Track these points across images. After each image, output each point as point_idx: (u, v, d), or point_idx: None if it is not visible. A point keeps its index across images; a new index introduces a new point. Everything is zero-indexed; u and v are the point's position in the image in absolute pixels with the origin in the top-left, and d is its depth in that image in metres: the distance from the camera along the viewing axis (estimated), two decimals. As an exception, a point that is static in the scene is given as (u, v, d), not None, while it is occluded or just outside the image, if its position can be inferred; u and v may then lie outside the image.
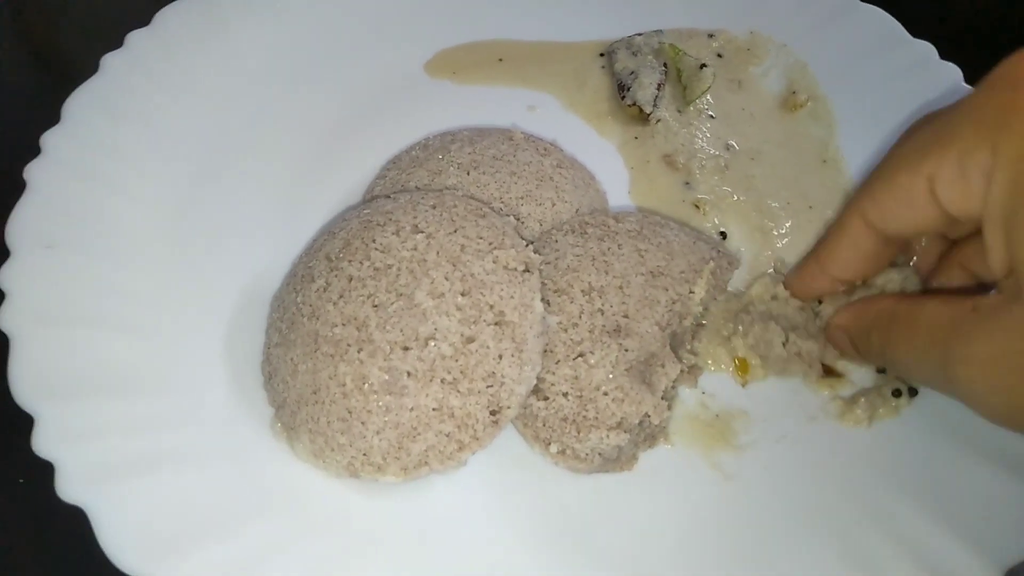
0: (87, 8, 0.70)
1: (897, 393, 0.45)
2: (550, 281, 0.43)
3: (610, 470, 0.42)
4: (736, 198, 0.55)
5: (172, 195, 0.50)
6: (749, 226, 0.54)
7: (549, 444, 0.41)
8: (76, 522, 0.36)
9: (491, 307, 0.40)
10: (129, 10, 0.59)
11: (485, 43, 0.66)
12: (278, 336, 0.43)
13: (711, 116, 0.60)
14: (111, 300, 0.44)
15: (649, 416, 0.40)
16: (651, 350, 0.42)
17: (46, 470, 0.37)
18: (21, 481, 0.43)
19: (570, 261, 0.43)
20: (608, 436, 0.40)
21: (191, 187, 0.51)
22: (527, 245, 0.42)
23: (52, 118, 0.50)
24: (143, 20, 0.56)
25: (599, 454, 0.41)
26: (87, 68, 0.53)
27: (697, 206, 0.55)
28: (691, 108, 0.60)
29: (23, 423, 0.38)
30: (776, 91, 0.62)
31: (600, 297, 0.42)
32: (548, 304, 0.42)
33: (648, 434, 0.43)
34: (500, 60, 0.64)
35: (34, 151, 0.48)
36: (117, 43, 0.55)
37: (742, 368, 0.47)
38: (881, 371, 0.46)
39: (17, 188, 0.46)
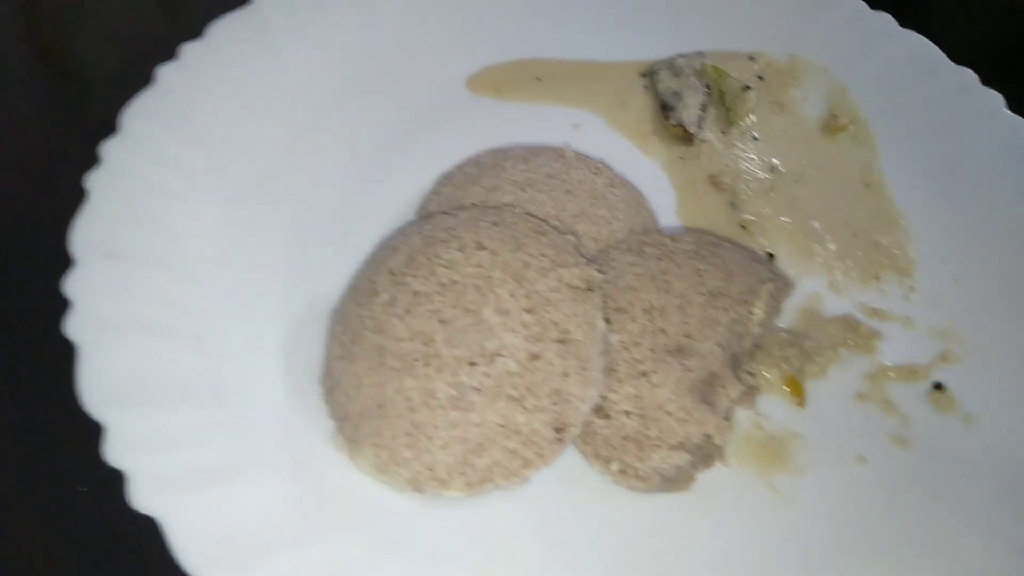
0: (136, 20, 0.70)
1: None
2: (610, 300, 0.43)
3: (668, 490, 0.42)
4: (782, 220, 0.56)
5: (226, 206, 0.51)
6: (795, 248, 0.55)
7: (609, 463, 0.41)
8: (137, 531, 0.36)
9: (556, 324, 0.40)
10: (178, 25, 0.59)
11: (527, 61, 0.66)
12: (340, 349, 0.43)
13: (755, 138, 0.61)
14: (173, 311, 0.44)
15: (711, 436, 0.41)
16: (712, 370, 0.42)
17: (107, 479, 0.37)
18: (84, 489, 0.43)
19: (629, 280, 0.44)
20: (670, 456, 0.40)
21: (245, 199, 0.51)
22: (588, 263, 0.43)
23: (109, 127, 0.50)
24: (194, 33, 0.57)
25: (659, 474, 0.41)
26: (141, 79, 0.53)
27: (744, 227, 0.55)
28: (734, 129, 0.61)
29: (85, 431, 0.38)
30: (817, 114, 0.63)
31: (661, 316, 0.42)
32: (609, 323, 0.42)
33: (705, 454, 0.43)
34: (538, 79, 0.65)
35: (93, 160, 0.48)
36: (169, 55, 0.55)
37: (794, 390, 0.47)
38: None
39: (80, 197, 0.47)
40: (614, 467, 0.41)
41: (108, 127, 0.50)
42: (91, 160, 0.48)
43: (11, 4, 0.69)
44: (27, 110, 0.62)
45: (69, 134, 0.61)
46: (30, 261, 0.50)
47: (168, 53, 0.55)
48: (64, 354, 0.41)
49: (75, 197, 0.47)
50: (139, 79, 0.53)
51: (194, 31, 0.57)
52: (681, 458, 0.40)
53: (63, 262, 0.44)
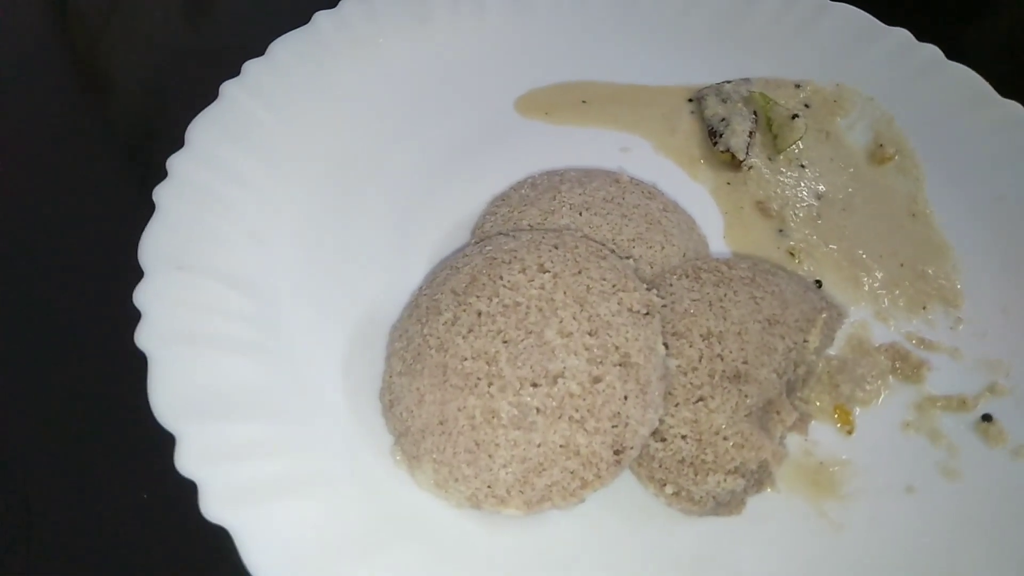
0: (201, 38, 0.72)
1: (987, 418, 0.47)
2: (668, 324, 0.44)
3: (720, 514, 0.43)
4: (829, 247, 0.56)
5: (288, 222, 0.52)
6: (842, 276, 0.55)
7: (664, 485, 0.42)
8: (196, 539, 0.37)
9: (617, 348, 0.41)
10: (241, 40, 0.61)
11: (573, 84, 0.67)
12: (402, 365, 0.44)
13: (802, 165, 0.61)
14: (238, 324, 0.45)
15: (767, 462, 0.41)
16: (769, 397, 0.42)
17: (167, 486, 0.38)
18: (145, 496, 0.44)
19: (687, 305, 0.44)
20: (725, 480, 0.41)
21: (306, 215, 0.53)
22: (648, 288, 0.43)
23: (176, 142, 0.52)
24: (258, 51, 0.59)
25: (713, 498, 0.41)
26: (208, 95, 0.55)
27: (792, 253, 0.56)
28: (781, 156, 0.61)
29: (150, 439, 0.40)
30: (863, 143, 0.63)
31: (719, 343, 0.43)
32: (667, 347, 0.43)
33: (756, 479, 0.44)
34: (583, 102, 0.66)
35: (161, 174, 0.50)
36: (234, 72, 0.57)
37: (842, 418, 0.48)
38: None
39: (147, 209, 0.48)
40: (669, 490, 0.42)
41: (163, 138, 0.52)
42: (153, 174, 0.50)
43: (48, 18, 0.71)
44: (83, 124, 0.64)
45: (131, 147, 0.62)
46: (101, 272, 0.51)
47: (214, 65, 0.57)
48: (134, 364, 0.42)
49: (142, 209, 0.48)
50: (187, 91, 0.55)
51: (218, 40, 0.59)
52: (736, 483, 0.41)
53: (135, 273, 0.45)
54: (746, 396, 0.42)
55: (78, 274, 0.53)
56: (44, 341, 0.49)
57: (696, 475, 0.41)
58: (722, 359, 0.43)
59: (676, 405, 0.42)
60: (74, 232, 0.55)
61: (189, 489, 0.38)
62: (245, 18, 0.72)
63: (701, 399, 0.42)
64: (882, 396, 0.49)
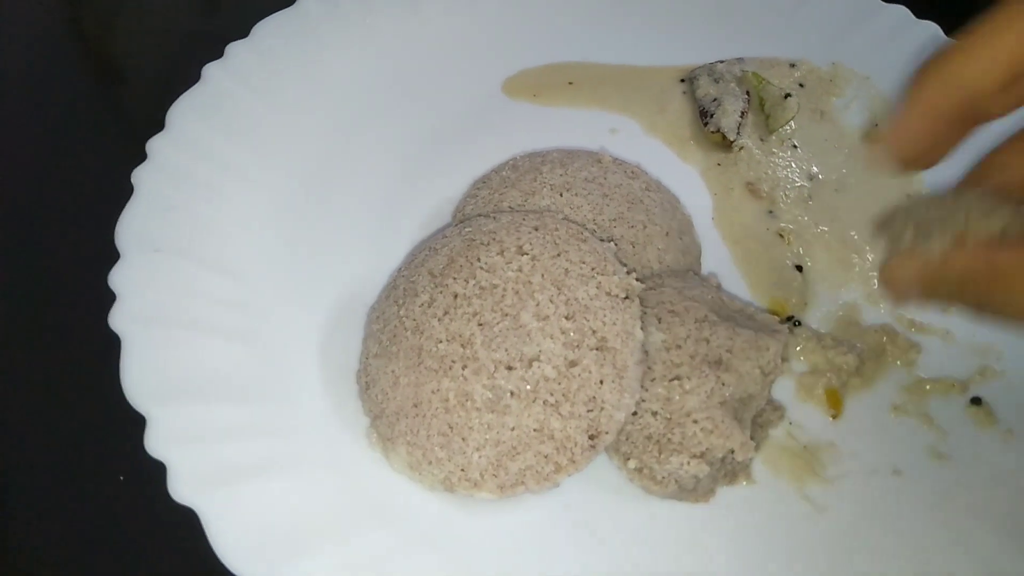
0: (176, 17, 0.71)
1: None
2: (668, 303, 0.43)
3: (685, 499, 0.42)
4: (819, 229, 0.56)
5: (267, 204, 0.52)
6: (833, 257, 0.54)
7: (628, 459, 0.41)
8: (171, 521, 0.37)
9: (594, 332, 0.40)
10: (225, 24, 0.60)
11: (563, 65, 0.66)
12: (378, 347, 0.43)
13: (794, 146, 0.60)
14: (214, 306, 0.45)
15: (734, 453, 0.40)
16: (750, 392, 0.41)
17: (144, 468, 0.38)
18: (121, 478, 0.43)
19: (695, 293, 0.44)
20: (689, 463, 0.40)
21: (286, 198, 0.52)
22: (628, 272, 0.43)
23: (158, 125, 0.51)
24: (233, 29, 0.58)
25: (675, 480, 0.41)
26: (182, 75, 0.54)
27: (781, 235, 0.55)
28: (773, 137, 0.60)
29: (125, 421, 0.39)
30: (858, 123, 0.62)
31: (711, 328, 0.42)
32: (659, 321, 0.42)
33: (729, 470, 0.43)
34: (570, 83, 0.65)
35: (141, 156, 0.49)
36: (217, 54, 0.56)
37: (833, 403, 0.47)
38: None
39: (127, 192, 0.48)
40: (631, 464, 0.41)
41: (152, 123, 0.51)
42: (137, 155, 0.50)
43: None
44: (73, 105, 0.63)
45: (115, 129, 0.62)
46: (78, 254, 0.51)
47: (208, 49, 0.56)
48: (109, 346, 0.42)
49: (122, 192, 0.48)
50: (180, 75, 0.54)
51: (233, 28, 0.58)
52: (700, 468, 0.40)
53: (110, 255, 0.45)
54: (723, 384, 0.41)
55: (58, 256, 0.52)
56: (19, 322, 0.49)
57: (660, 453, 0.40)
58: (708, 343, 0.42)
59: (652, 380, 0.41)
60: (55, 214, 0.55)
61: (165, 472, 0.38)
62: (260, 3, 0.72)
63: (677, 378, 0.41)
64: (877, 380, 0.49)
